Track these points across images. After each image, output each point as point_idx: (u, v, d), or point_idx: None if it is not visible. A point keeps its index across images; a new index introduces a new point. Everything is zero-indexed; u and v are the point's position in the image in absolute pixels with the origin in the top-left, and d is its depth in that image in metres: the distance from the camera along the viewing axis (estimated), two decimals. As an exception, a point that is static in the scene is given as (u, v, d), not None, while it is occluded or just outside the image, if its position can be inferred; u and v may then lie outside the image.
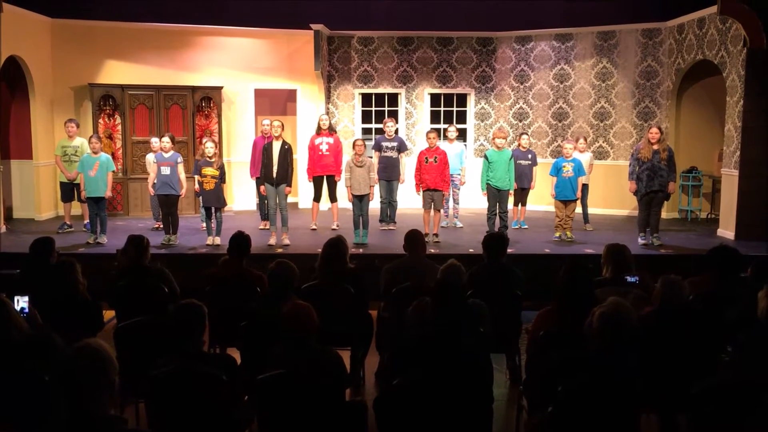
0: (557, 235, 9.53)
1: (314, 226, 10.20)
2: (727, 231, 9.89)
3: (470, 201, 12.13)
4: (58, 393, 2.68)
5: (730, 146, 9.97)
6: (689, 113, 11.96)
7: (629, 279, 4.65)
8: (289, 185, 9.05)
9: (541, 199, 11.98)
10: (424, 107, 13.37)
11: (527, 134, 11.14)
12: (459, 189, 10.71)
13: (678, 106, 11.93)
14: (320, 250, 5.70)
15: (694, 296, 4.75)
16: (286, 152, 8.90)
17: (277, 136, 8.95)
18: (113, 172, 9.48)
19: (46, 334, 3.64)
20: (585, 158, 10.43)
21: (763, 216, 9.35)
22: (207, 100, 12.30)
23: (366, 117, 13.47)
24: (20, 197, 11.68)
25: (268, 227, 9.58)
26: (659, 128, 9.03)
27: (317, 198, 10.28)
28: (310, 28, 12.27)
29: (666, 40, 11.95)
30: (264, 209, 10.24)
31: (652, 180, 8.84)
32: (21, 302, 4.27)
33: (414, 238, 5.87)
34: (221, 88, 12.38)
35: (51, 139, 11.62)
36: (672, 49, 11.79)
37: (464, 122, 13.42)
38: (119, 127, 11.97)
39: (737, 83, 9.79)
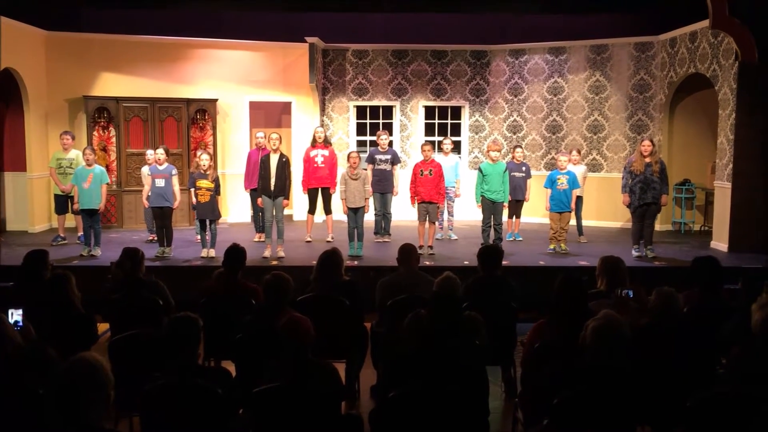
0: (552, 247, 9.56)
1: (309, 239, 10.20)
2: (720, 243, 9.93)
3: (465, 213, 12.16)
4: (52, 407, 2.67)
5: (723, 159, 10.03)
6: (682, 126, 12.03)
7: (624, 292, 4.66)
8: (287, 198, 9.06)
9: (536, 212, 12.01)
10: (419, 120, 13.42)
11: (521, 147, 11.19)
12: (454, 201, 10.73)
13: (671, 119, 12.01)
14: (315, 262, 5.69)
15: (687, 309, 4.76)
16: (284, 165, 8.92)
17: (275, 148, 8.96)
18: (107, 184, 9.46)
19: (41, 348, 3.61)
20: (579, 171, 10.47)
21: (755, 228, 9.39)
22: (202, 112, 12.32)
23: (361, 129, 13.51)
24: (14, 209, 11.65)
25: (263, 239, 9.58)
26: (651, 141, 9.09)
27: (312, 210, 10.29)
28: (305, 41, 12.32)
29: (658, 53, 12.04)
30: (259, 221, 10.24)
31: (645, 192, 8.89)
32: (15, 315, 4.25)
33: (407, 252, 5.87)
34: (216, 100, 12.40)
35: (45, 151, 11.61)
36: (664, 63, 11.88)
37: (459, 135, 13.47)
38: (114, 140, 11.95)
39: (729, 96, 9.87)
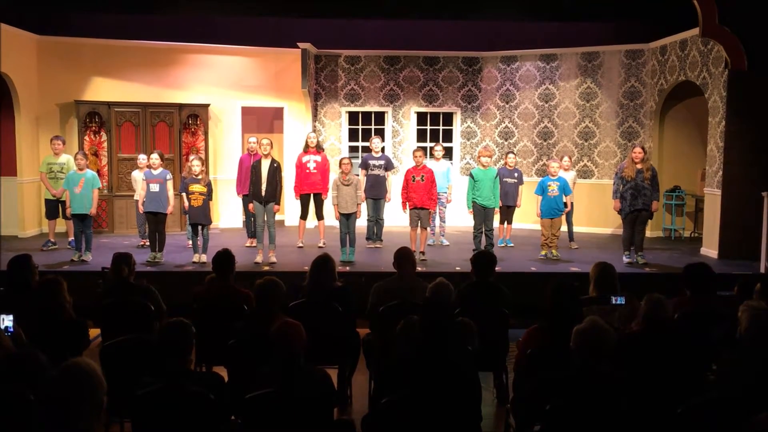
0: (543, 253, 9.58)
1: (301, 244, 10.20)
2: (710, 250, 9.99)
3: (456, 219, 12.18)
4: (42, 413, 2.65)
5: (713, 166, 10.10)
6: (672, 133, 12.11)
7: (614, 299, 4.68)
8: (278, 203, 9.06)
9: (527, 218, 12.04)
10: (411, 126, 13.44)
11: (513, 153, 11.23)
12: (445, 207, 10.76)
13: (661, 126, 12.08)
14: (307, 268, 5.70)
15: (678, 315, 4.79)
16: (275, 170, 8.92)
17: (266, 154, 8.96)
18: (98, 189, 9.43)
19: (32, 354, 3.59)
20: (568, 177, 10.52)
21: (745, 235, 9.45)
22: (194, 117, 12.29)
23: (353, 135, 13.52)
24: (4, 214, 11.55)
25: (254, 245, 9.57)
26: (643, 148, 9.15)
27: (304, 216, 10.29)
28: (298, 47, 12.33)
29: (649, 61, 12.12)
30: (251, 227, 10.23)
31: (635, 199, 8.94)
32: (6, 321, 4.22)
33: (404, 256, 5.86)
34: (208, 105, 12.39)
35: (36, 155, 11.56)
36: (655, 70, 11.96)
37: (450, 141, 13.51)
38: (105, 144, 11.92)
39: (719, 104, 9.94)
